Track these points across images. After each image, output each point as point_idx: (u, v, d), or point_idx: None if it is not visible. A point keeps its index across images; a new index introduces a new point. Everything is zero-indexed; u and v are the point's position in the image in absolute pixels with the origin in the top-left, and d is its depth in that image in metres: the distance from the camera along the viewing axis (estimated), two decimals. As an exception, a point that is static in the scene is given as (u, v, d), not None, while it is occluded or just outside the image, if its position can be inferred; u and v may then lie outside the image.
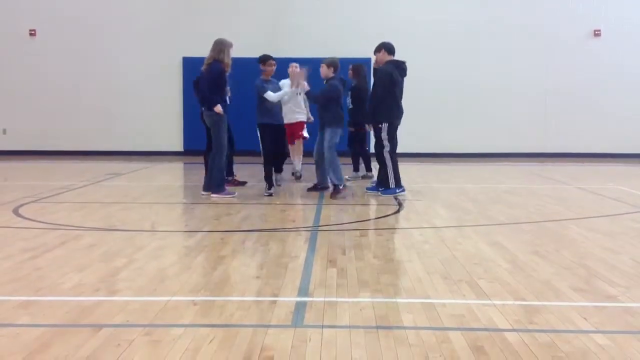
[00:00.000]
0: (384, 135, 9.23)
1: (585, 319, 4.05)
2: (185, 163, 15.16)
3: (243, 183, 10.35)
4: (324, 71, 9.39)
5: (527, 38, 16.73)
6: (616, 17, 16.76)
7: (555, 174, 13.15)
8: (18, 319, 4.02)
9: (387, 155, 9.29)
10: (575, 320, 4.04)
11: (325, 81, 9.45)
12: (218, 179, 9.02)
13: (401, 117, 9.43)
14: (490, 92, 16.80)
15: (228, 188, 9.26)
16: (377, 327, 3.88)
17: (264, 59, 9.87)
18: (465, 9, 16.71)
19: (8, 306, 4.27)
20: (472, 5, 16.76)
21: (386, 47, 9.43)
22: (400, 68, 9.35)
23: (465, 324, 3.97)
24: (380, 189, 9.43)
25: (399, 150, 9.47)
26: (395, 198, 9.06)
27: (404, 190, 9.36)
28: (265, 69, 9.80)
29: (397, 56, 9.53)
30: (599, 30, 16.79)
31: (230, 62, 8.95)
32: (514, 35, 16.73)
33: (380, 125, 9.24)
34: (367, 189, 9.85)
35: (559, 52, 16.81)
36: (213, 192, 9.01)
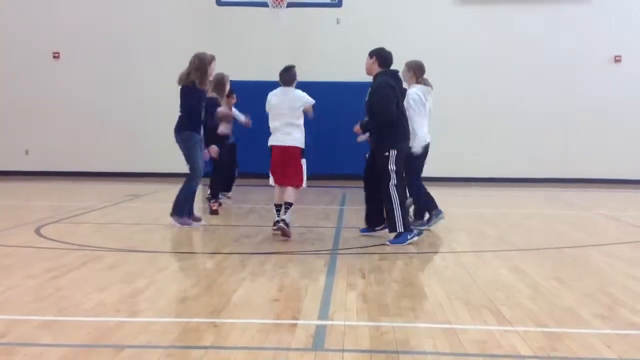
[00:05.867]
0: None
1: (608, 346, 4.00)
2: (204, 185, 15.18)
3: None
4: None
5: (547, 63, 16.69)
6: (637, 43, 16.70)
7: (575, 199, 13.06)
8: (40, 339, 4.05)
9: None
10: (598, 347, 3.99)
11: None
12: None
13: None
14: (509, 116, 16.75)
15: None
16: (398, 352, 3.86)
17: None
18: (484, 34, 16.73)
19: (30, 326, 4.30)
20: (490, 29, 16.77)
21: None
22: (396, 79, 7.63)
23: (487, 350, 3.94)
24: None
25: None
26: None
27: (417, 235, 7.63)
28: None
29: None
30: (620, 57, 16.75)
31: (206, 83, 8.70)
32: (534, 60, 16.70)
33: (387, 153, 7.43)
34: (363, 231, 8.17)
35: (580, 77, 16.74)
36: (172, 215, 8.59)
